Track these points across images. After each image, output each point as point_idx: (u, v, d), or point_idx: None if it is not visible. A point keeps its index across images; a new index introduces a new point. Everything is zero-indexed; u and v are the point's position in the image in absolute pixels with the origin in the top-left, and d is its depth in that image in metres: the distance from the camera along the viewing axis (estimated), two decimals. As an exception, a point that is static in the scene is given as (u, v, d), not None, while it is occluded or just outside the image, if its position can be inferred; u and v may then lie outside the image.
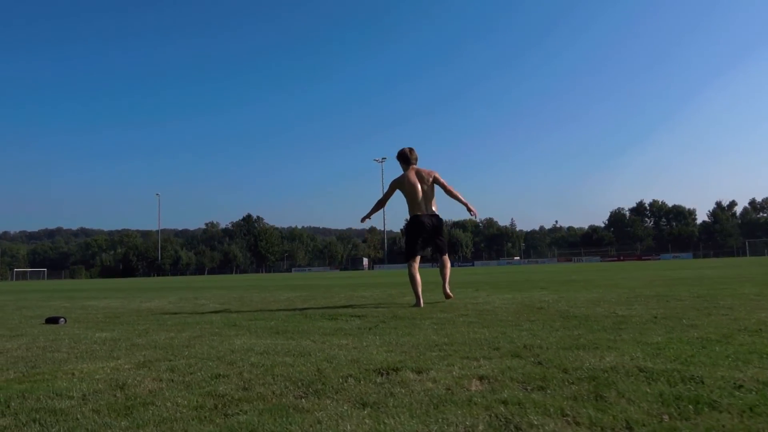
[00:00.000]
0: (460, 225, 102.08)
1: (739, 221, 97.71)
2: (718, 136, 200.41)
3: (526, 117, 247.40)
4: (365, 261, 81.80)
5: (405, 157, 6.17)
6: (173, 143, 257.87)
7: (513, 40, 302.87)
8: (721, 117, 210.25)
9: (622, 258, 68.89)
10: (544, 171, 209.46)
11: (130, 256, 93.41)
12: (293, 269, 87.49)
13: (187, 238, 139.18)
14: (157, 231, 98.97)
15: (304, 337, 3.70)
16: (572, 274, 16.09)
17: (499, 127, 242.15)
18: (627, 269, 19.42)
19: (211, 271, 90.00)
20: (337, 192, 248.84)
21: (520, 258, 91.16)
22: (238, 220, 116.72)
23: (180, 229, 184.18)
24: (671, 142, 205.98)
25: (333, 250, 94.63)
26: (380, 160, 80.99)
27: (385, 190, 6.33)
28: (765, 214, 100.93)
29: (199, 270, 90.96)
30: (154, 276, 77.87)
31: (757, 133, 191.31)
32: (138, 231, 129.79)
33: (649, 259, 61.16)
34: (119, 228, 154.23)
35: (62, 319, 5.44)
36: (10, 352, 3.53)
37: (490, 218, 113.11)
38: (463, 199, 6.07)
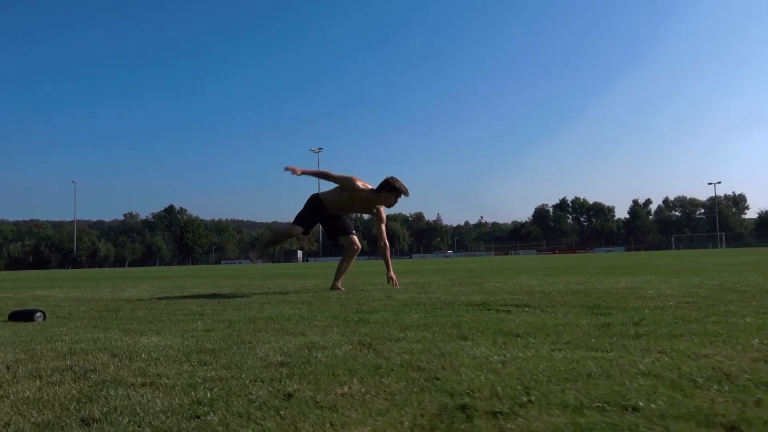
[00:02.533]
0: (394, 218, 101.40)
1: (654, 218, 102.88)
2: (628, 136, 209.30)
3: (441, 111, 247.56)
4: (299, 254, 79.01)
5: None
6: (85, 132, 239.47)
7: (426, 40, 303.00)
8: (632, 119, 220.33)
9: (557, 251, 70.27)
10: (460, 167, 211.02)
11: (42, 248, 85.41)
12: (222, 261, 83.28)
13: (103, 229, 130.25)
14: (73, 221, 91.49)
15: (564, 342, 2.00)
16: (590, 262, 14.99)
17: (414, 123, 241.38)
18: (624, 258, 18.66)
19: (133, 264, 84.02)
20: (263, 185, 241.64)
21: (453, 251, 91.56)
22: (159, 211, 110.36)
23: (95, 220, 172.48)
24: (578, 141, 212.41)
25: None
26: (316, 150, 78.51)
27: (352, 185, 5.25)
28: (677, 212, 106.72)
29: (119, 262, 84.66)
30: (69, 269, 71.46)
31: (668, 134, 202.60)
32: (49, 222, 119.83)
33: (584, 252, 62.61)
34: (27, 218, 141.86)
35: (39, 314, 3.42)
36: (16, 393, 1.60)
37: (419, 212, 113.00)
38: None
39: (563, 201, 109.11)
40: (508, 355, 1.79)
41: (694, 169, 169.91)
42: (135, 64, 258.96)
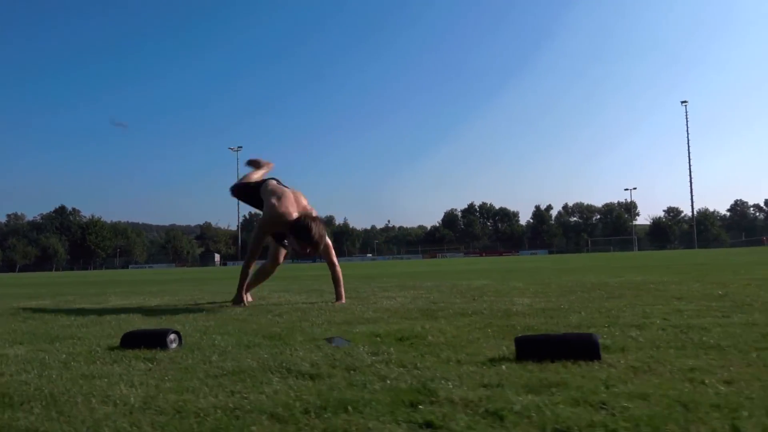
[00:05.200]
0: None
1: (554, 223, 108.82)
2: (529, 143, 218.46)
3: (346, 117, 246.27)
4: (217, 257, 75.89)
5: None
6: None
7: (328, 49, 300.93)
8: (534, 129, 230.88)
9: (483, 254, 72.63)
10: (364, 171, 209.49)
11: None
12: (131, 266, 78.12)
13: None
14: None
15: None
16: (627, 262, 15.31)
17: (320, 129, 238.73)
18: (618, 260, 19.37)
19: (24, 269, 76.65)
20: (159, 187, 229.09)
21: (373, 255, 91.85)
22: (48, 211, 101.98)
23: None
24: (473, 147, 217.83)
25: (178, 246, 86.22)
26: (236, 149, 75.74)
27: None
28: (575, 218, 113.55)
29: (9, 267, 76.89)
30: (-51, 275, 63.68)
31: (575, 142, 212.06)
32: None
33: (510, 255, 65.17)
34: None
35: (173, 336, 2.27)
36: None
37: (330, 215, 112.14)
38: None
39: (471, 206, 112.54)
40: None
41: (583, 176, 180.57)
42: (38, 65, 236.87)
